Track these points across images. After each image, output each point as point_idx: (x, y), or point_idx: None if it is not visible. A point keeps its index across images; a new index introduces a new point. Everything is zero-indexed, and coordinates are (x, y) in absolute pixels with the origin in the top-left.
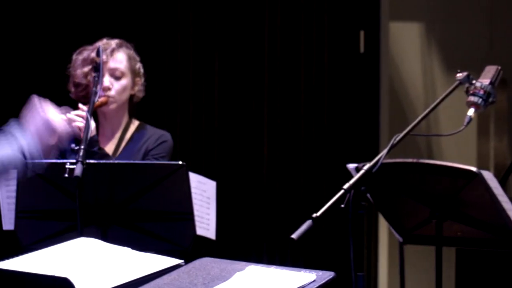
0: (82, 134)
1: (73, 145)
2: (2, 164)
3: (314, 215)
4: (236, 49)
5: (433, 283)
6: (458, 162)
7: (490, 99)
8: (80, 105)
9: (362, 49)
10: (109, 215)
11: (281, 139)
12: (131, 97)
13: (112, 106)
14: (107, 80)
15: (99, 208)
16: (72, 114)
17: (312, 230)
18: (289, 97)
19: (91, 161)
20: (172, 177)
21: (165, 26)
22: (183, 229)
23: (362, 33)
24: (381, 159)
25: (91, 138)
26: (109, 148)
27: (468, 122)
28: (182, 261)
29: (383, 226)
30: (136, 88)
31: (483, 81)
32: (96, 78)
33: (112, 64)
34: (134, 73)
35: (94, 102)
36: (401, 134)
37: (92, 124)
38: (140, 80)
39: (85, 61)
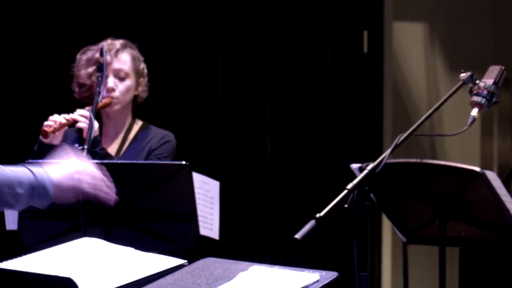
0: (85, 134)
1: (76, 145)
2: (10, 181)
3: (318, 215)
4: (239, 49)
5: (437, 283)
6: (462, 162)
7: (494, 99)
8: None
9: (365, 49)
10: (113, 215)
11: (285, 139)
12: (135, 97)
13: (116, 107)
14: (111, 81)
15: (102, 208)
16: (76, 114)
17: (315, 230)
18: (292, 97)
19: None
20: (176, 177)
21: (169, 25)
22: (187, 229)
23: (365, 33)
24: (385, 159)
25: (94, 138)
26: (113, 148)
27: (472, 122)
28: (186, 261)
29: (387, 226)
30: (140, 88)
31: (487, 81)
32: (100, 78)
33: (116, 65)
34: (138, 74)
35: (97, 103)
36: (405, 134)
37: (96, 124)
38: (144, 81)
39: (89, 62)
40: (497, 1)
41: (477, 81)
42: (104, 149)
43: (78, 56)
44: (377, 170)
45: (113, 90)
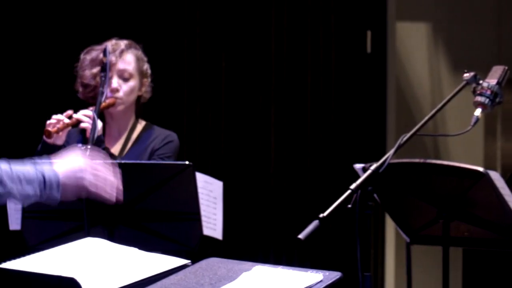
0: (88, 134)
1: (79, 145)
2: (18, 176)
3: (321, 215)
4: (242, 50)
5: (440, 284)
6: (465, 162)
7: (497, 99)
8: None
9: (369, 49)
10: (116, 215)
11: (288, 139)
12: (138, 97)
13: (120, 108)
14: (115, 82)
15: (106, 208)
16: (80, 114)
17: (319, 230)
18: (295, 97)
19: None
20: (179, 177)
21: (172, 26)
22: (190, 229)
23: (369, 33)
24: (388, 159)
25: (97, 138)
26: (116, 148)
27: (475, 122)
28: (189, 261)
29: (390, 226)
30: (143, 89)
31: (490, 81)
32: (103, 79)
33: (121, 65)
34: (141, 74)
35: (101, 103)
36: (408, 134)
37: (99, 124)
38: (147, 81)
39: (94, 62)
40: (501, 1)
41: (481, 81)
42: (107, 149)
43: (82, 56)
44: (381, 170)
45: (117, 90)
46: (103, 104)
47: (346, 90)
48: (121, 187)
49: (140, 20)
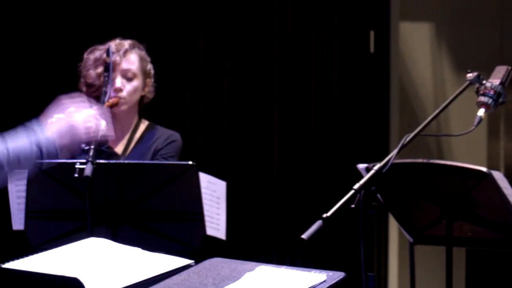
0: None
1: (83, 145)
2: (17, 156)
3: (324, 215)
4: (246, 50)
5: (443, 284)
6: (468, 162)
7: (500, 100)
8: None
9: (372, 49)
10: (119, 215)
11: (291, 139)
12: (141, 97)
13: (123, 107)
14: (119, 81)
15: (109, 208)
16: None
17: (322, 230)
18: (299, 98)
19: (101, 161)
20: (182, 177)
21: (175, 26)
22: (193, 229)
23: (372, 33)
24: (391, 159)
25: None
26: (119, 148)
27: (478, 123)
28: (192, 261)
29: (393, 227)
30: (147, 89)
31: (493, 81)
32: (106, 78)
33: (125, 65)
34: (145, 74)
35: (104, 102)
36: (412, 134)
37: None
38: (151, 81)
39: (98, 62)
40: (504, 1)
41: (484, 81)
42: (110, 148)
43: (85, 56)
44: (384, 170)
45: (120, 90)
46: (107, 104)
47: (349, 90)
48: (111, 126)
49: (144, 20)
